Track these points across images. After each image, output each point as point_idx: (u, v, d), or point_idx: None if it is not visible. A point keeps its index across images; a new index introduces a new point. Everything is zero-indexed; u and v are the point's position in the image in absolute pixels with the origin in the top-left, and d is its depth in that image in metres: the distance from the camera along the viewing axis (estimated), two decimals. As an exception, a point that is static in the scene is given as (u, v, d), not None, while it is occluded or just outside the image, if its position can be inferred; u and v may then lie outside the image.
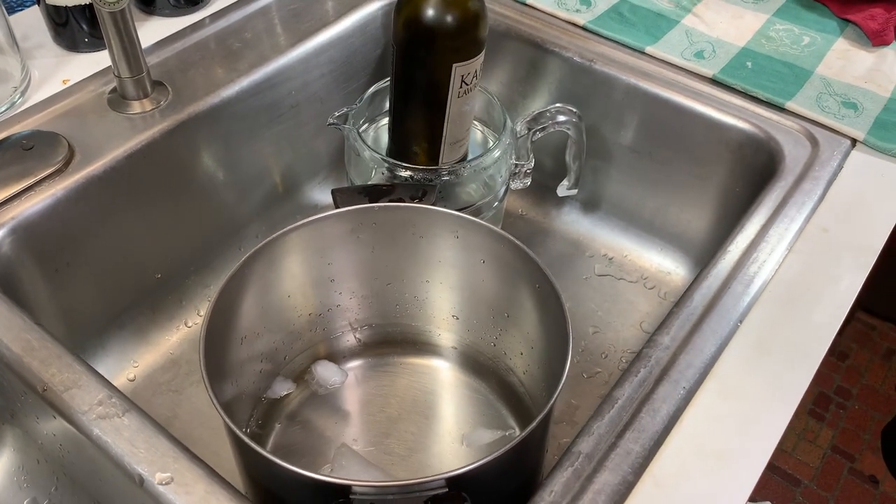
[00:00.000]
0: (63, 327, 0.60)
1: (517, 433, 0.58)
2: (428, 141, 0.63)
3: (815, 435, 1.44)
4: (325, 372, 0.61)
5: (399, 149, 0.65)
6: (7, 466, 0.59)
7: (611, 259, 0.76)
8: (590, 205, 0.78)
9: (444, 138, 0.62)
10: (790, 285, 0.52)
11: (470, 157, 0.66)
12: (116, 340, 0.65)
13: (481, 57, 0.59)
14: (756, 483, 0.43)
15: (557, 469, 0.43)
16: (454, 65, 0.58)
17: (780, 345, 0.49)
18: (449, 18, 0.56)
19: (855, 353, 1.58)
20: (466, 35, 0.57)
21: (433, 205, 0.55)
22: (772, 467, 1.37)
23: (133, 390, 0.64)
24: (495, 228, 0.53)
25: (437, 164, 0.64)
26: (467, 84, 0.59)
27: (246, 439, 0.41)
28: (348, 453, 0.56)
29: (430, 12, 0.56)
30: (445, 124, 0.61)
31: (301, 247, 0.55)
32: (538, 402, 0.57)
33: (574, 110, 0.66)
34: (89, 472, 0.49)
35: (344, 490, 0.40)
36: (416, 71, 0.60)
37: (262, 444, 0.58)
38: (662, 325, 0.50)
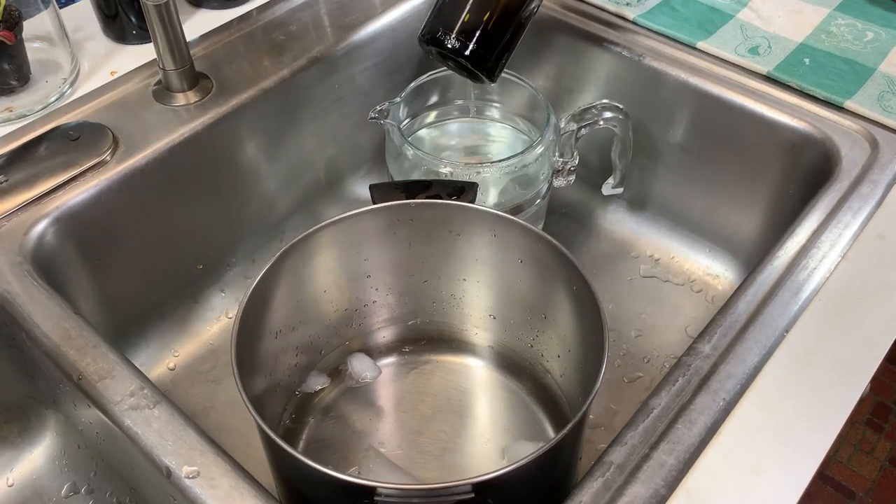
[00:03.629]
0: (105, 316, 0.61)
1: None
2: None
3: (872, 446, 1.38)
4: (360, 365, 0.61)
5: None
6: (50, 451, 0.61)
7: (657, 260, 0.74)
8: (636, 204, 0.76)
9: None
10: (842, 295, 0.50)
11: (511, 153, 0.64)
12: (157, 330, 0.66)
13: None
14: (799, 501, 0.41)
15: (587, 479, 0.41)
16: None
17: (828, 358, 0.46)
18: None
19: (918, 362, 1.52)
20: None
21: (471, 202, 0.54)
22: (825, 478, 1.33)
23: (172, 379, 0.65)
24: (533, 227, 0.52)
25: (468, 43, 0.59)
26: None
27: (273, 435, 0.41)
28: (375, 455, 0.56)
29: None
30: None
31: (337, 242, 0.54)
32: (575, 407, 0.56)
33: (620, 106, 0.64)
34: (123, 460, 0.50)
35: (369, 491, 0.40)
36: None
37: (296, 438, 0.58)
38: (704, 332, 0.48)
